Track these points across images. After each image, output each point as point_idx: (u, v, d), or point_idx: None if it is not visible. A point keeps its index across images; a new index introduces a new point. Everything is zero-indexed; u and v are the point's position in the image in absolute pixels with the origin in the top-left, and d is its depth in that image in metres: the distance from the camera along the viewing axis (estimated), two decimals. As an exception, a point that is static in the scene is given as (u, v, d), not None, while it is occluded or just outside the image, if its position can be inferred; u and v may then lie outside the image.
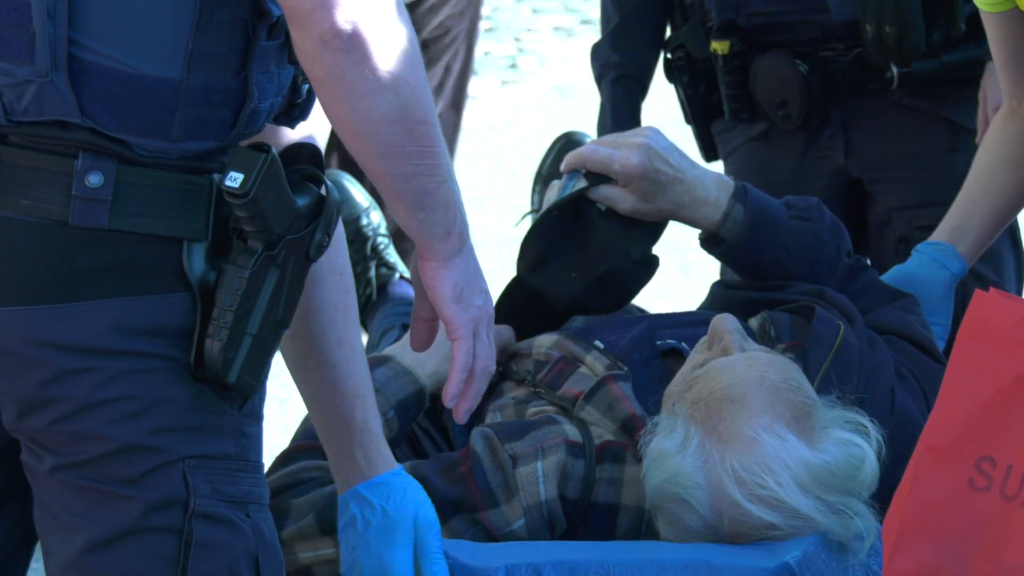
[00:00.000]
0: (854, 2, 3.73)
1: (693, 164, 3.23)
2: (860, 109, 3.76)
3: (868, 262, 3.54)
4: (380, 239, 3.67)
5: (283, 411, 5.30)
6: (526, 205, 5.83)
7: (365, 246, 3.64)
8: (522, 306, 3.31)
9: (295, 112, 2.29)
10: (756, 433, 2.57)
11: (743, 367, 2.72)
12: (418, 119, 2.13)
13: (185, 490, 2.14)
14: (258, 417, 2.27)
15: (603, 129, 3.98)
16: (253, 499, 2.25)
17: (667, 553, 2.59)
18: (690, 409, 2.66)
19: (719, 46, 3.90)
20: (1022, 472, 2.39)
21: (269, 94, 2.19)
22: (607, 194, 3.12)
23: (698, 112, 4.15)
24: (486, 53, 9.80)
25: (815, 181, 3.74)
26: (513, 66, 9.65)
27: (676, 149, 3.22)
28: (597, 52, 4.28)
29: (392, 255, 3.68)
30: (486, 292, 2.31)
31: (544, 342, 3.18)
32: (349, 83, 2.10)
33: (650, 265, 3.18)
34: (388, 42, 2.10)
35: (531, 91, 9.03)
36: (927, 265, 3.28)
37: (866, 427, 2.62)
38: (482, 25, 9.40)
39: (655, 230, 3.19)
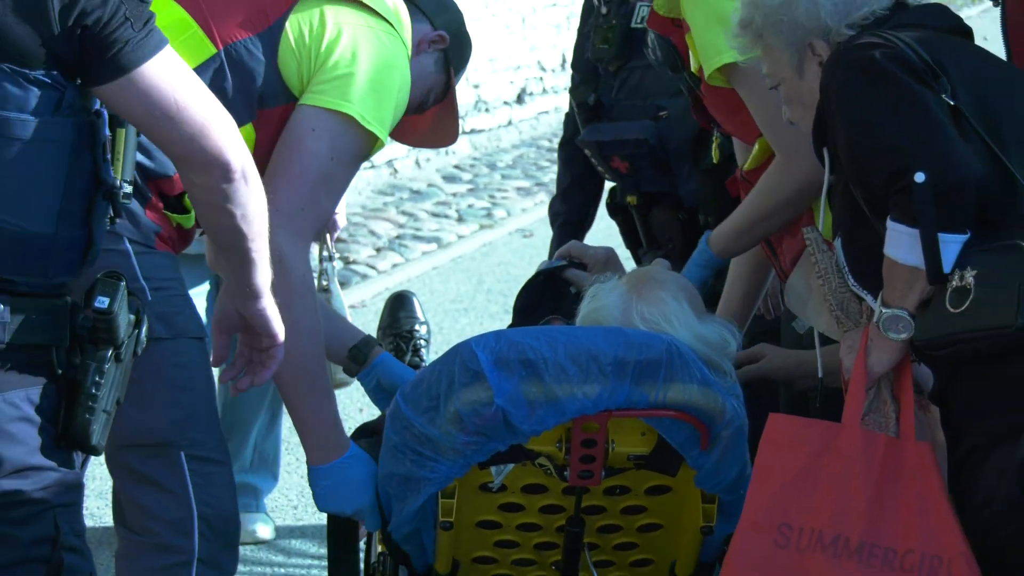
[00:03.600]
0: (695, 193, 3.93)
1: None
2: None
3: None
4: (421, 341, 3.59)
5: None
6: (499, 313, 6.76)
7: (408, 344, 3.56)
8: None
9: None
10: (663, 297, 2.77)
11: (673, 273, 3.03)
12: (266, 218, 2.33)
13: (54, 529, 2.23)
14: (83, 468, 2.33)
15: (550, 256, 3.90)
16: (81, 531, 2.32)
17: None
18: (626, 279, 2.91)
19: (631, 199, 4.14)
20: (808, 531, 2.34)
21: (101, 238, 2.27)
22: (576, 274, 3.27)
23: (628, 239, 4.39)
24: (469, 205, 9.88)
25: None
26: (489, 215, 9.66)
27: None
28: (552, 204, 4.59)
29: (426, 354, 3.62)
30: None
31: None
32: (239, 201, 2.26)
33: None
34: (253, 169, 2.29)
35: (501, 232, 9.12)
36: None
37: (735, 333, 2.86)
38: (466, 187, 10.23)
39: None
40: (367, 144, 2.78)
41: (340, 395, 3.18)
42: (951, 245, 2.23)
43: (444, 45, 3.03)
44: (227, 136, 2.20)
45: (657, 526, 2.75)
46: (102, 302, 2.19)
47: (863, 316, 2.40)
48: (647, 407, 2.52)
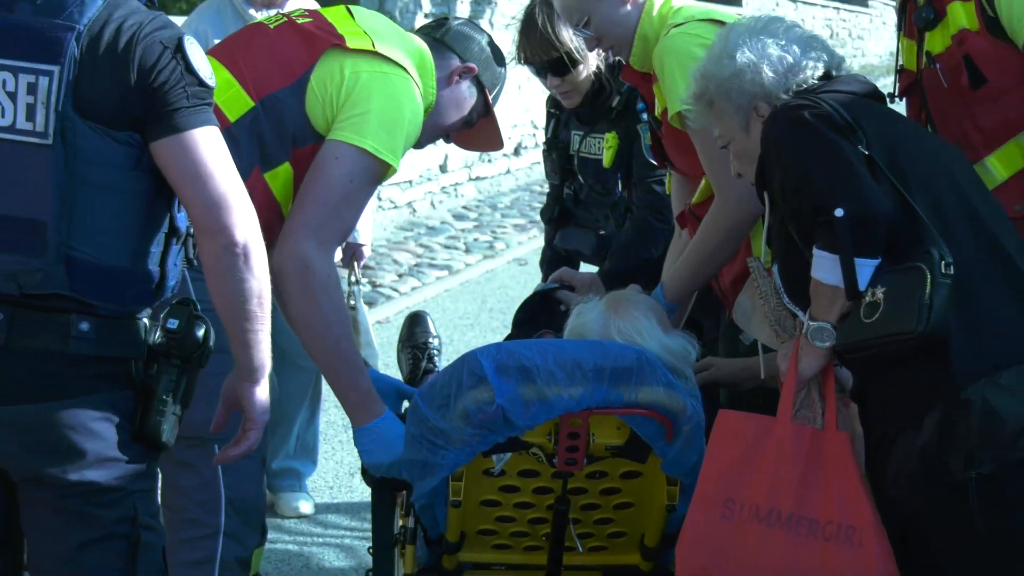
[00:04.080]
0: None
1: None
2: None
3: None
4: (434, 351, 3.51)
5: (350, 436, 5.08)
6: (499, 328, 6.64)
7: (424, 353, 3.48)
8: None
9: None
10: (636, 315, 2.79)
11: (644, 296, 2.99)
12: (264, 302, 2.21)
13: (135, 511, 2.22)
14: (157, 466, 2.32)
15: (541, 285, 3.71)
16: (156, 512, 2.32)
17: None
18: (606, 300, 2.89)
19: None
20: (747, 505, 2.33)
21: (173, 276, 2.25)
22: (566, 295, 3.28)
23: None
24: (475, 239, 9.83)
25: None
26: (491, 247, 9.60)
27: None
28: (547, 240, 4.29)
29: (439, 362, 3.52)
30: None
31: None
32: (236, 275, 2.16)
33: None
34: (258, 252, 2.18)
35: (501, 262, 9.07)
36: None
37: (695, 344, 2.84)
38: (472, 224, 10.23)
39: None
40: (381, 169, 2.74)
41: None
42: (865, 268, 2.24)
43: (474, 73, 2.97)
44: (241, 215, 2.15)
45: (630, 504, 2.75)
46: (173, 323, 2.18)
47: (796, 329, 2.40)
48: (622, 406, 2.51)
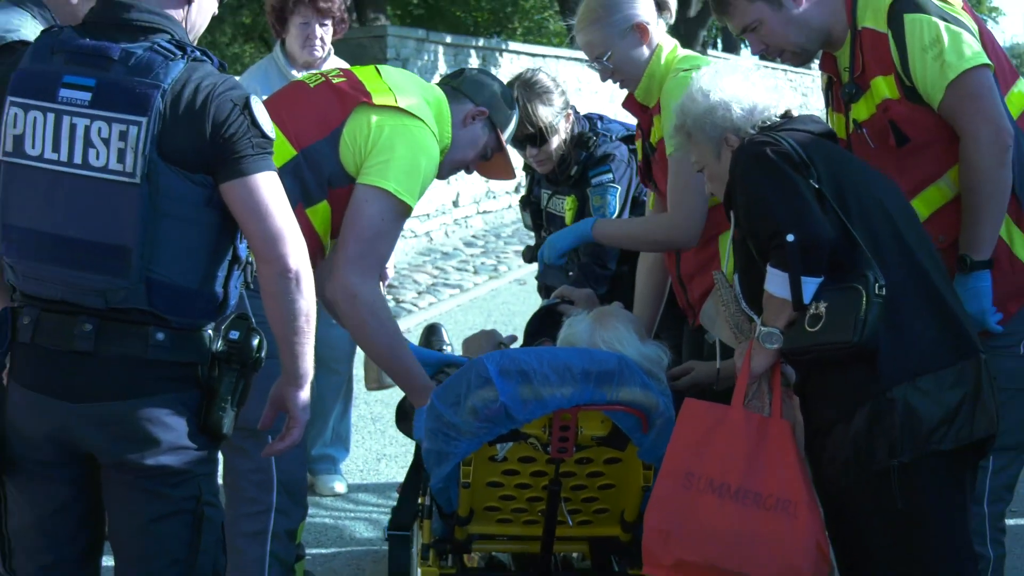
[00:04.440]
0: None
1: None
2: None
3: None
4: (446, 347, 3.48)
5: (377, 427, 5.23)
6: None
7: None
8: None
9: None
10: (617, 327, 2.78)
11: (625, 311, 2.98)
12: (311, 319, 2.19)
13: (199, 491, 2.21)
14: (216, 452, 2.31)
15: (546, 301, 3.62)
16: (216, 492, 2.27)
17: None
18: (592, 314, 2.88)
19: None
20: (703, 478, 2.33)
21: (234, 296, 2.24)
22: (566, 308, 3.20)
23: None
24: (482, 263, 9.85)
25: None
26: (495, 269, 9.59)
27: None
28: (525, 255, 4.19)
29: (458, 357, 3.36)
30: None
31: None
32: (288, 296, 2.14)
33: None
34: (307, 278, 2.16)
35: (504, 282, 9.02)
36: None
37: (667, 352, 2.80)
38: (480, 250, 10.21)
39: None
40: (405, 207, 2.71)
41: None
42: (810, 285, 2.22)
43: (486, 115, 2.91)
44: (294, 246, 2.13)
45: (612, 485, 2.73)
46: (234, 335, 2.19)
47: (751, 332, 2.38)
48: (605, 403, 2.50)
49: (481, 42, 13.54)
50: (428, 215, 10.61)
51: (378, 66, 2.85)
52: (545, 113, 3.55)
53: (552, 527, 2.75)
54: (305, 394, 2.26)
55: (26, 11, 2.69)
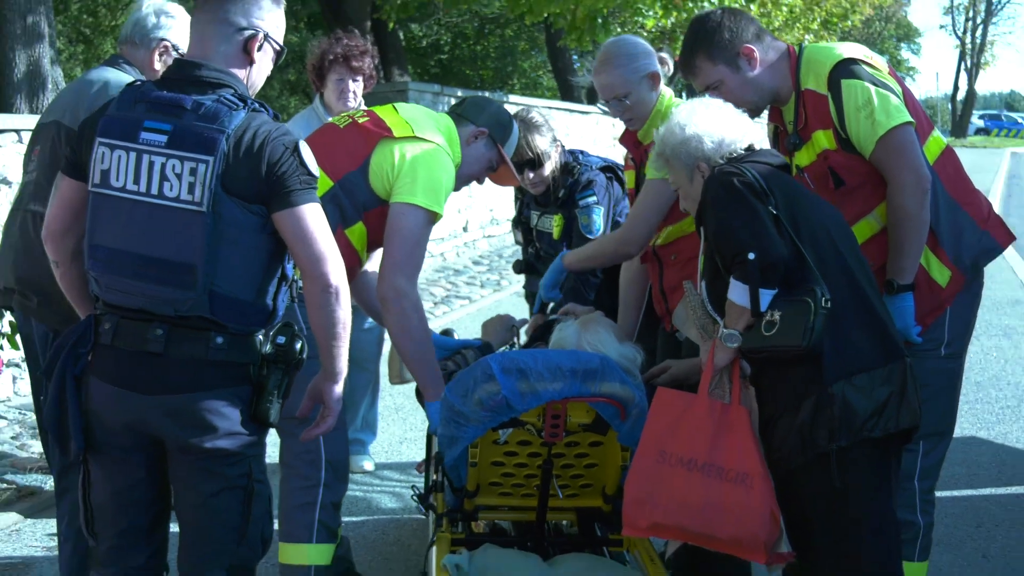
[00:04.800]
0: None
1: None
2: None
3: None
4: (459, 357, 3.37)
5: (399, 416, 5.15)
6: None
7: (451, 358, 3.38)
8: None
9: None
10: (600, 331, 2.80)
11: (607, 319, 2.95)
12: (347, 326, 2.17)
13: (250, 469, 2.19)
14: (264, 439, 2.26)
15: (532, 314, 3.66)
16: (264, 470, 2.25)
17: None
18: (579, 321, 2.87)
19: None
20: (674, 455, 2.32)
21: (281, 307, 2.22)
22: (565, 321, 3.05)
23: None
24: (487, 279, 9.74)
25: None
26: (498, 284, 9.50)
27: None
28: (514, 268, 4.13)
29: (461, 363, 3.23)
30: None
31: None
32: (329, 308, 2.13)
33: None
34: (345, 292, 2.15)
35: (506, 295, 8.89)
36: None
37: (640, 352, 2.81)
38: (485, 267, 9.98)
39: None
40: (432, 217, 2.68)
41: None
42: (766, 296, 2.22)
43: (486, 134, 2.86)
44: (334, 266, 2.11)
45: (595, 464, 2.72)
46: (280, 340, 2.16)
47: (715, 333, 2.37)
48: (589, 396, 2.49)
49: (486, 95, 13.53)
50: (442, 239, 10.62)
51: (395, 104, 2.85)
52: (539, 143, 3.57)
53: (545, 499, 2.73)
54: (339, 388, 2.23)
55: (120, 70, 2.88)
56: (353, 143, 2.71)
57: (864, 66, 2.58)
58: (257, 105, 2.13)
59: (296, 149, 2.09)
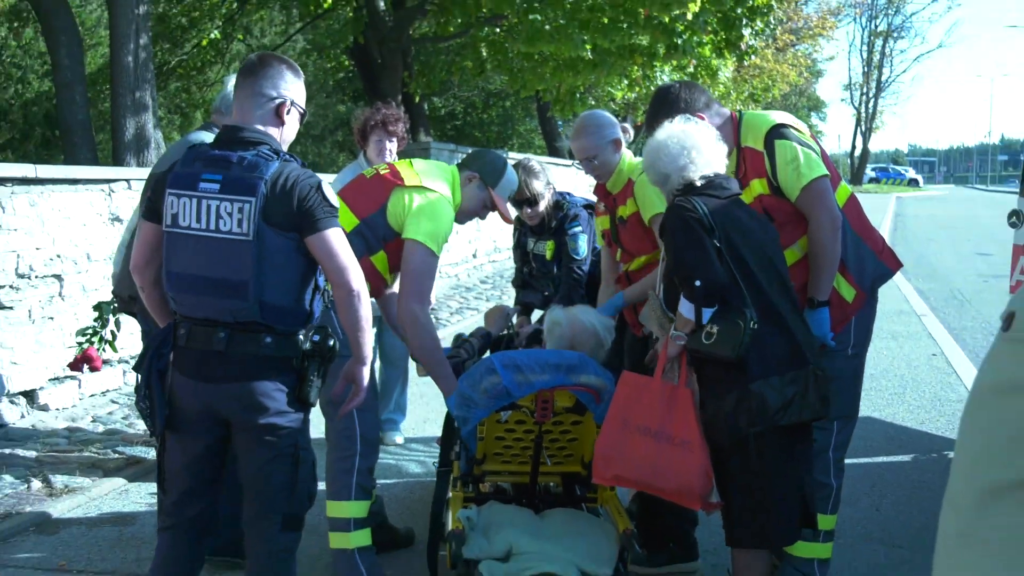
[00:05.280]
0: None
1: None
2: None
3: None
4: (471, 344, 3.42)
5: (423, 401, 4.99)
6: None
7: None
8: None
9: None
10: (583, 308, 2.87)
11: (589, 307, 2.92)
12: (368, 320, 2.13)
13: (296, 440, 2.13)
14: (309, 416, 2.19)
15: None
16: (308, 441, 2.19)
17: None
18: (566, 309, 2.87)
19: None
20: (633, 423, 2.29)
21: (317, 311, 2.16)
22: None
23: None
24: (492, 294, 9.58)
25: None
26: (500, 298, 9.21)
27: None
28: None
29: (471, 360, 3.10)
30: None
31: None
32: (353, 308, 2.10)
33: None
34: (365, 295, 2.11)
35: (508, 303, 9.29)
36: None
37: (612, 324, 2.81)
38: (490, 285, 9.89)
39: None
40: (434, 253, 2.63)
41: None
42: (707, 312, 2.21)
43: (478, 178, 2.78)
44: (355, 276, 2.08)
45: (576, 439, 2.69)
46: (316, 338, 2.13)
47: (669, 330, 2.34)
48: (571, 385, 2.47)
49: (490, 150, 13.45)
50: (456, 263, 10.62)
51: (412, 159, 2.82)
52: (536, 185, 3.55)
53: (536, 466, 2.72)
54: (366, 371, 2.19)
55: (210, 132, 2.90)
56: (375, 190, 2.70)
57: (792, 130, 2.58)
58: (288, 156, 2.11)
59: (319, 187, 2.07)
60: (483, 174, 2.80)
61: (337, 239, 2.08)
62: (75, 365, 4.12)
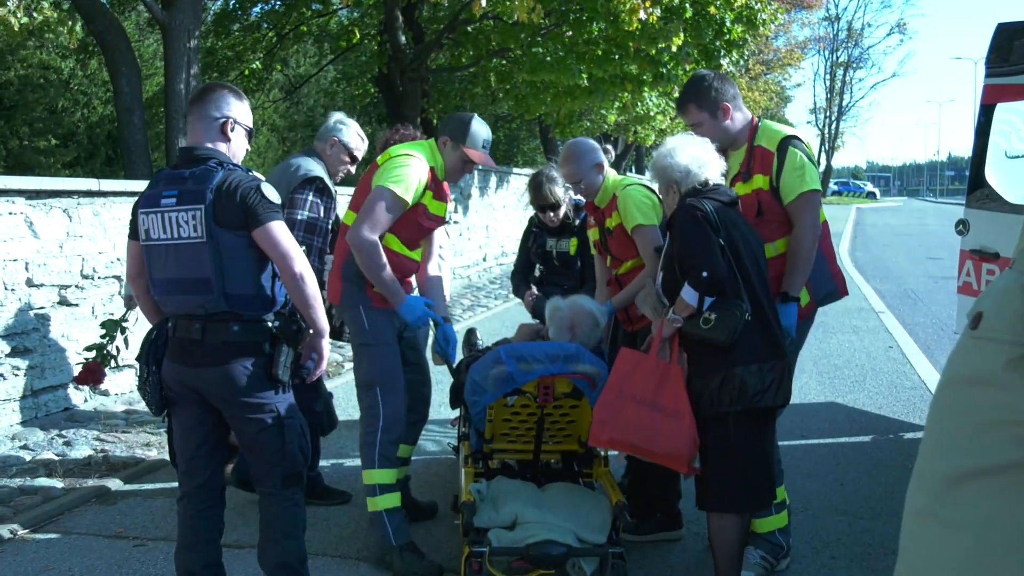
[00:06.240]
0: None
1: None
2: None
3: None
4: (479, 342, 3.31)
5: (439, 388, 4.86)
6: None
7: (474, 349, 3.32)
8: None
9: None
10: (581, 297, 2.81)
11: (587, 297, 2.88)
12: (317, 297, 2.09)
13: (278, 411, 2.10)
14: (288, 388, 2.14)
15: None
16: (293, 409, 2.15)
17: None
18: (571, 296, 2.83)
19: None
20: (629, 394, 2.26)
21: (280, 297, 2.12)
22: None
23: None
24: (499, 292, 9.47)
25: None
26: (508, 297, 9.05)
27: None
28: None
29: (483, 341, 3.22)
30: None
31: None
32: (299, 288, 2.05)
33: None
34: (309, 275, 2.07)
35: (513, 303, 8.37)
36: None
37: (607, 307, 2.76)
38: (499, 284, 9.72)
39: None
40: (396, 196, 2.55)
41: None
42: (708, 300, 2.19)
43: (450, 140, 2.69)
44: (298, 261, 2.04)
45: (573, 420, 2.68)
46: (277, 323, 2.11)
47: (664, 313, 2.32)
48: (570, 373, 2.46)
49: (498, 168, 13.48)
50: (468, 266, 10.58)
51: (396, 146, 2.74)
52: (558, 191, 3.48)
53: (539, 444, 2.72)
54: (326, 342, 2.16)
55: (313, 159, 3.03)
56: (366, 182, 2.67)
57: (804, 144, 2.58)
58: (232, 166, 2.11)
59: (259, 188, 2.04)
60: (452, 136, 2.71)
61: (279, 230, 2.04)
62: (82, 379, 3.92)
